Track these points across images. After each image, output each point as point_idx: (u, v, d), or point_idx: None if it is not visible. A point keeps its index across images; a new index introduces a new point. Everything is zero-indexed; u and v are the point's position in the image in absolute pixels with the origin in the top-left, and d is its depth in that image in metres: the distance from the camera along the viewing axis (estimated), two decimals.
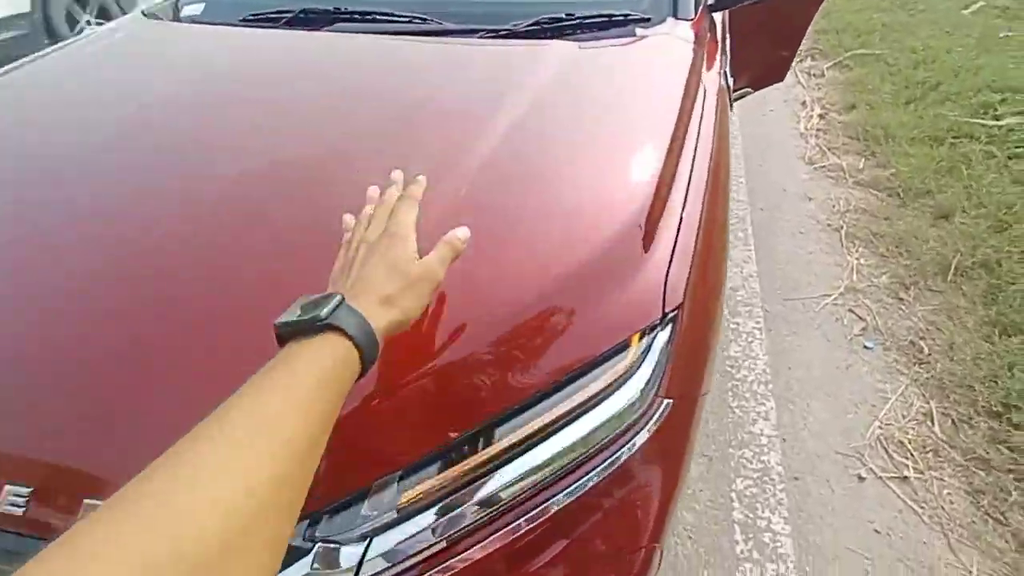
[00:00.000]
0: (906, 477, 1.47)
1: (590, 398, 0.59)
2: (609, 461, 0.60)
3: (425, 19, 1.19)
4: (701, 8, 1.18)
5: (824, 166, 2.80)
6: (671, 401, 0.64)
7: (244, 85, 1.11)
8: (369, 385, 0.56)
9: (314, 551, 0.51)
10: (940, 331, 1.85)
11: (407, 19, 1.19)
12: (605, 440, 0.59)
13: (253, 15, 1.32)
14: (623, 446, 0.60)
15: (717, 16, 1.37)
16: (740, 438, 1.59)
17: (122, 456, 0.52)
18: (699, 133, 0.89)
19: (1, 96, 1.16)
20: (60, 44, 1.37)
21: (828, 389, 1.72)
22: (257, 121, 0.99)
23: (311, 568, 0.51)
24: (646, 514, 0.62)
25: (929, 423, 1.59)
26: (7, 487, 0.52)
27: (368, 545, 0.52)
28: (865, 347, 1.85)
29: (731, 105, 1.34)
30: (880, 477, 1.48)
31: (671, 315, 0.65)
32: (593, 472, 0.59)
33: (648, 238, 0.69)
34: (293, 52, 1.21)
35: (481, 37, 1.13)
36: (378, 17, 1.22)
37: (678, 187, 0.77)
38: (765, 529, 1.38)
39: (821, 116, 3.26)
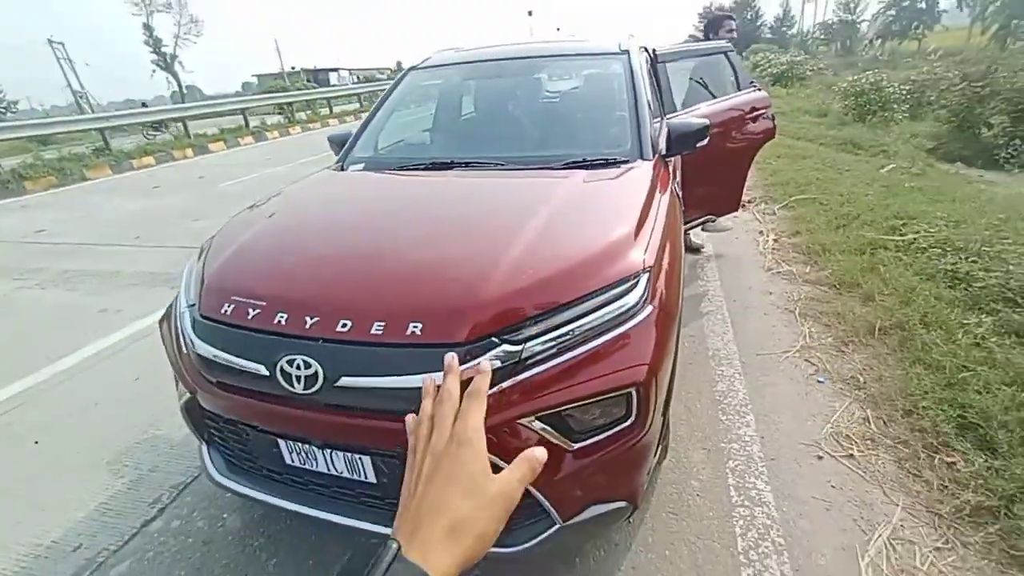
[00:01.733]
0: (852, 455, 2.00)
1: (619, 293, 1.31)
2: (627, 327, 1.29)
3: (504, 163, 2.12)
4: (656, 156, 2.11)
5: (779, 272, 3.65)
6: (654, 305, 1.35)
7: (407, 196, 2.00)
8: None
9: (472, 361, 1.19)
10: (872, 369, 2.48)
11: (494, 164, 2.13)
12: (626, 314, 1.30)
13: (401, 166, 2.29)
14: (629, 318, 1.30)
15: (670, 159, 2.32)
16: (729, 437, 2.14)
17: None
18: (658, 209, 1.72)
19: (285, 204, 2.06)
20: (296, 182, 2.33)
21: (792, 407, 2.30)
22: (416, 210, 1.85)
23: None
24: (639, 351, 1.28)
25: (867, 423, 2.15)
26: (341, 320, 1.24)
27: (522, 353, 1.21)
28: (818, 382, 2.46)
29: (680, 201, 2.20)
30: (833, 456, 2.01)
31: (648, 268, 1.39)
32: (615, 332, 1.28)
33: (634, 242, 1.46)
34: (429, 183, 2.12)
35: (538, 170, 2.04)
36: (477, 163, 2.16)
37: (647, 228, 1.56)
38: (752, 488, 1.88)
39: (775, 240, 4.23)
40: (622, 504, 1.42)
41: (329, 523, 1.45)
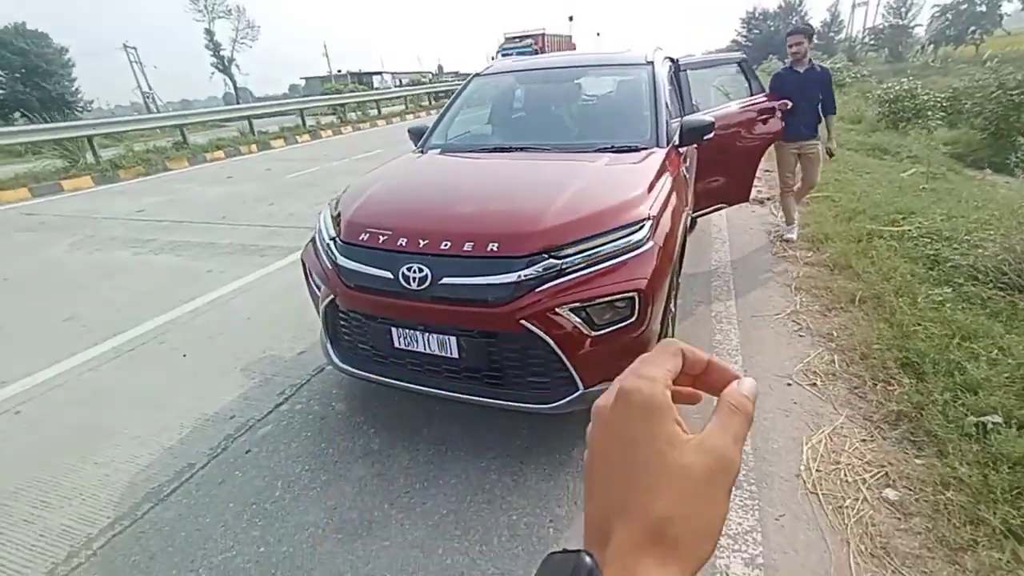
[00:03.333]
0: (815, 384, 2.54)
1: (629, 232, 1.93)
2: (633, 254, 1.91)
3: (549, 148, 2.77)
4: (670, 145, 2.71)
5: (784, 255, 4.16)
6: (654, 242, 1.96)
7: (480, 168, 2.67)
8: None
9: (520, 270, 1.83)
10: (846, 328, 3.00)
11: (543, 149, 2.78)
12: (633, 245, 1.92)
13: (470, 150, 2.96)
14: (635, 248, 1.92)
15: (684, 148, 2.90)
16: None
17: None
18: (663, 183, 2.32)
19: (390, 173, 2.74)
20: (397, 159, 3.05)
21: (775, 352, 2.85)
22: (488, 176, 2.51)
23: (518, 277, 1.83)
24: (641, 270, 1.89)
25: (832, 364, 2.68)
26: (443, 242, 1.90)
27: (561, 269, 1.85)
28: (800, 336, 3.00)
29: (688, 182, 2.77)
30: (800, 384, 2.55)
31: (652, 217, 2.00)
32: (625, 256, 1.90)
33: (643, 201, 2.07)
34: (495, 160, 2.79)
35: (575, 152, 2.67)
36: (530, 148, 2.81)
37: (654, 192, 2.17)
38: None
39: None
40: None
41: (418, 393, 2.12)
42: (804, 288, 3.55)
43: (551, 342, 1.86)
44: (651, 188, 2.19)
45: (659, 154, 2.57)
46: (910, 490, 1.87)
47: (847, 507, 1.83)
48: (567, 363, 1.90)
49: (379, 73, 44.06)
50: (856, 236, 4.15)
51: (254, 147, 13.46)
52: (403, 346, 2.12)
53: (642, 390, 0.30)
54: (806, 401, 2.43)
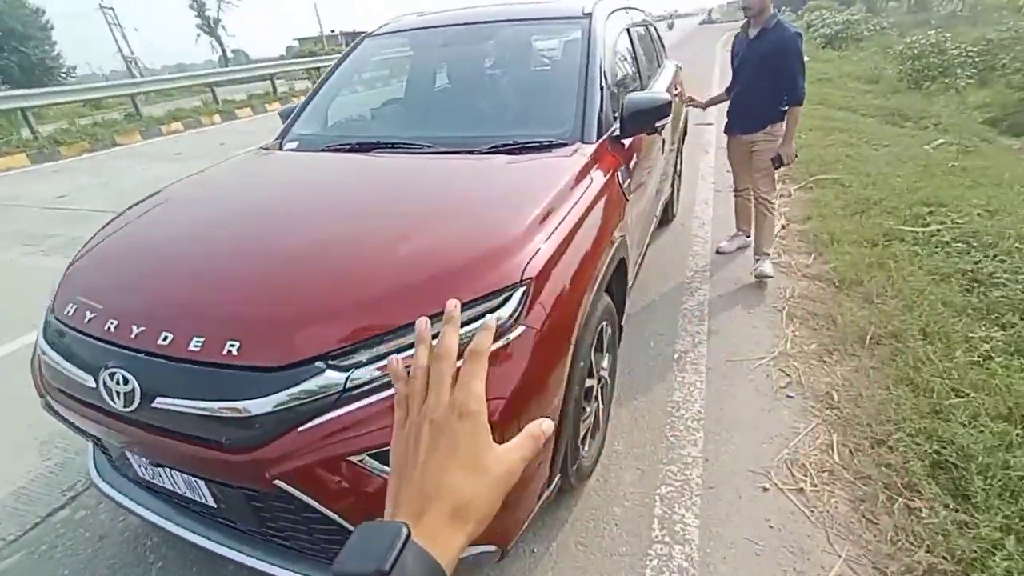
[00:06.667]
0: (802, 489, 1.76)
1: (484, 309, 1.12)
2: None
3: (431, 146, 1.91)
4: (604, 138, 1.85)
5: (778, 263, 3.30)
6: (528, 324, 1.14)
7: (330, 179, 1.84)
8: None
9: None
10: (852, 385, 2.19)
11: (419, 147, 1.92)
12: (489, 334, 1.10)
13: (328, 146, 2.10)
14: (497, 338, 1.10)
15: (628, 140, 2.03)
16: (670, 457, 1.93)
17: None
18: (576, 202, 1.48)
19: (177, 192, 1.94)
20: (215, 165, 2.20)
21: (750, 426, 2.06)
22: (338, 191, 1.70)
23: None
24: (496, 383, 1.09)
25: (830, 451, 1.89)
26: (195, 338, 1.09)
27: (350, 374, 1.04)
28: (788, 396, 2.20)
29: (625, 195, 1.91)
30: (781, 489, 1.77)
31: (526, 281, 1.18)
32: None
33: (519, 249, 1.24)
34: (354, 163, 1.94)
35: (461, 154, 1.82)
36: (400, 146, 1.95)
37: (547, 227, 1.34)
38: (679, 521, 1.69)
39: (783, 226, 3.83)
40: (489, 548, 1.25)
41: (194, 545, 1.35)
42: (799, 315, 2.72)
43: (332, 515, 1.07)
44: (543, 218, 1.36)
45: (580, 155, 1.71)
46: None
47: None
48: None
49: None
50: (870, 237, 3.29)
51: (217, 117, 12.44)
52: (148, 477, 1.35)
53: (476, 414, 0.40)
54: (787, 523, 1.65)
